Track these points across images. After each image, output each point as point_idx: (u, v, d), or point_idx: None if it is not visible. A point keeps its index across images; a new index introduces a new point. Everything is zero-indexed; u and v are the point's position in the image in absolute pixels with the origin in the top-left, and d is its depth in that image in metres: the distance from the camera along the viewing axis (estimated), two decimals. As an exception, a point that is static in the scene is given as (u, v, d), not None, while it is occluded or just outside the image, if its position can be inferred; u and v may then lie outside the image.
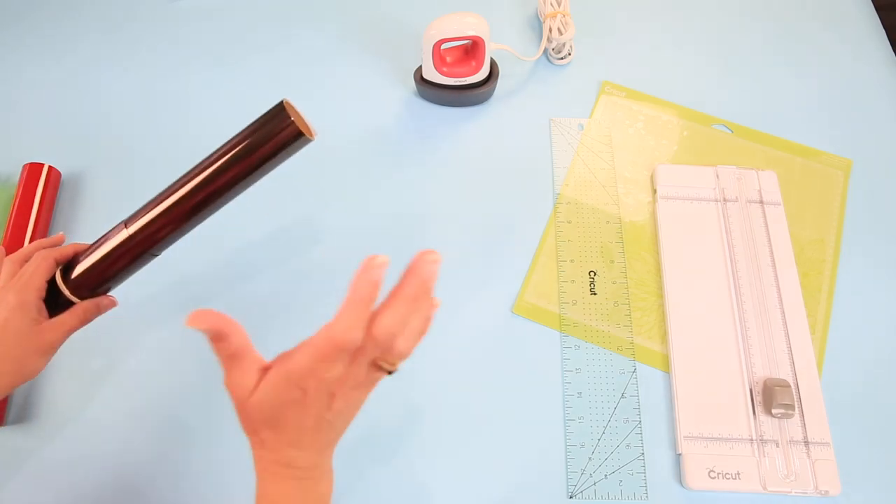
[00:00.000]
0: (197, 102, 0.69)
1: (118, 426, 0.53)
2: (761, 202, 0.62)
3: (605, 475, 0.51)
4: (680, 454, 0.51)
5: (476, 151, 0.66)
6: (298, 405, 0.34)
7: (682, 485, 0.51)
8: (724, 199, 0.62)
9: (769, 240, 0.60)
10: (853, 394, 0.54)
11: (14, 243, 0.58)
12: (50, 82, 0.71)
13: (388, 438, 0.53)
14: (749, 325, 0.56)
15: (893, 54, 0.74)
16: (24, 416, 0.54)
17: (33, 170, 0.61)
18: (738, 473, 0.50)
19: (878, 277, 0.60)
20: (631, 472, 0.51)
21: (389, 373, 0.36)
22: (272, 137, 0.43)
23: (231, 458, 0.51)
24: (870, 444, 0.53)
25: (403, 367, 0.35)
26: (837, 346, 0.57)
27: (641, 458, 0.52)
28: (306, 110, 0.45)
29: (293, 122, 0.42)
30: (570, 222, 0.62)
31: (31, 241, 0.59)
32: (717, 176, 0.63)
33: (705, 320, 0.57)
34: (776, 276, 0.58)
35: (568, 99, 0.70)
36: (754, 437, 0.51)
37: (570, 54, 0.71)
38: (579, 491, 0.51)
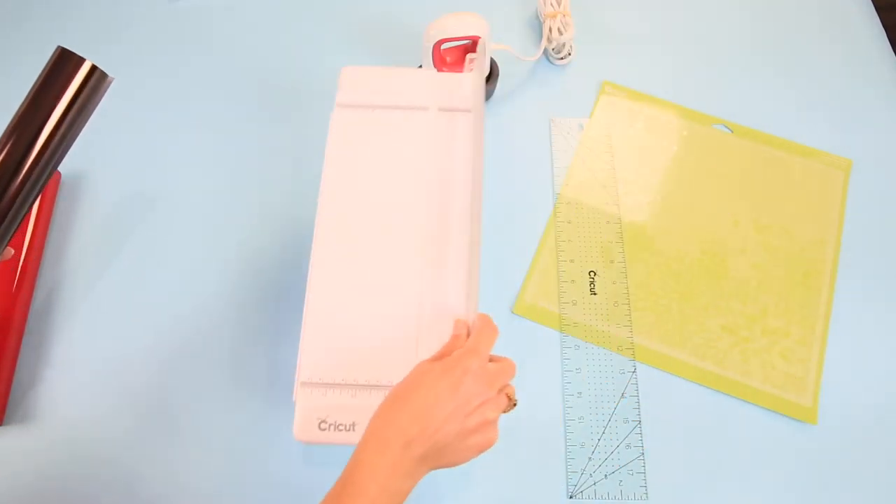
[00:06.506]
0: (197, 103, 0.69)
1: (117, 426, 0.53)
2: (453, 110, 0.53)
3: (605, 475, 0.51)
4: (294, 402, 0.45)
5: (476, 151, 0.66)
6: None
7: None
8: (415, 108, 0.53)
9: (451, 155, 0.51)
10: (853, 394, 0.55)
11: (14, 243, 0.58)
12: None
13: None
14: (409, 254, 0.48)
15: (893, 54, 0.74)
16: (24, 417, 0.54)
17: (33, 170, 0.61)
18: (354, 425, 0.44)
19: (878, 277, 0.60)
20: (631, 472, 0.51)
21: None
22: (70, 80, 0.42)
23: (233, 456, 0.52)
24: (870, 443, 0.53)
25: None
26: (838, 346, 0.57)
27: (641, 458, 0.52)
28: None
29: (84, 59, 0.42)
30: (570, 222, 0.62)
31: (31, 240, 0.59)
32: (413, 80, 0.55)
33: (362, 248, 0.48)
34: (448, 199, 0.50)
35: (568, 99, 0.70)
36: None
37: (570, 54, 0.71)
38: (579, 491, 0.51)
